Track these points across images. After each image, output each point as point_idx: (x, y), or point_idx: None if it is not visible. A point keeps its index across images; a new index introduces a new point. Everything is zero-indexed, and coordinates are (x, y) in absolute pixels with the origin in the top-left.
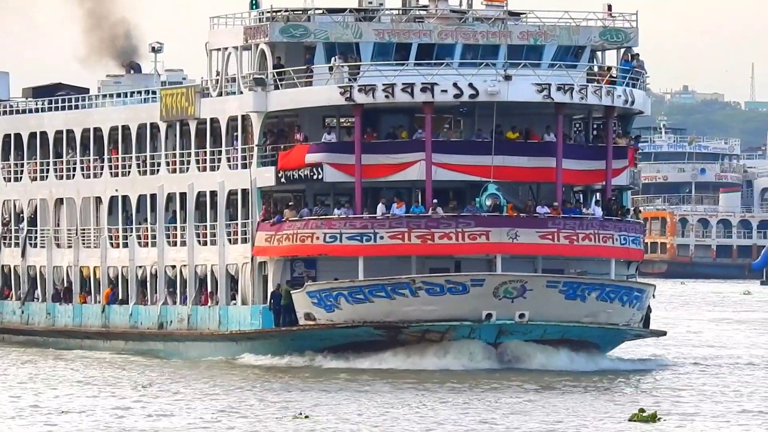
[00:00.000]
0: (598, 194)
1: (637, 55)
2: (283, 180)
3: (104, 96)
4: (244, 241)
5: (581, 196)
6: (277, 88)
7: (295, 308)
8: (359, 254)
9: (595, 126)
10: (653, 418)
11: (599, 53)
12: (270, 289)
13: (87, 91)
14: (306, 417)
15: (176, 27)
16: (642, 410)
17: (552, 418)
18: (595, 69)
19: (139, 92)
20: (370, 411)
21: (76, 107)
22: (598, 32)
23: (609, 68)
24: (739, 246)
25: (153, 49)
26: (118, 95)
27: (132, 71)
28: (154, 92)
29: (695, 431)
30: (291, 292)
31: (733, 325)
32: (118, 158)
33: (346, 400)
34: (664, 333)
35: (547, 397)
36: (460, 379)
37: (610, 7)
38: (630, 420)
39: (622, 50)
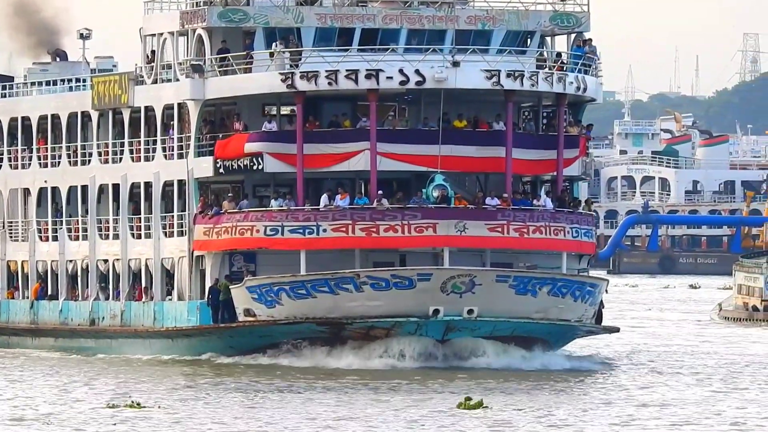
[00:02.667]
0: (547, 185)
1: (590, 40)
2: (221, 170)
3: (32, 84)
4: (181, 234)
5: (530, 186)
6: (224, 74)
7: (234, 304)
8: (301, 248)
9: (545, 114)
10: (479, 405)
11: (549, 38)
12: (208, 284)
13: (11, 79)
14: (138, 406)
15: (104, 13)
16: (468, 398)
17: (377, 409)
18: (545, 55)
19: (69, 80)
20: (202, 404)
21: (2, 96)
22: (548, 17)
23: (559, 54)
24: None
25: (81, 36)
26: (47, 83)
27: (58, 59)
28: (83, 80)
29: (508, 418)
30: (230, 287)
31: None
32: (47, 148)
33: (194, 393)
34: (617, 329)
35: (397, 390)
36: (357, 376)
37: None
38: (457, 407)
39: (573, 35)
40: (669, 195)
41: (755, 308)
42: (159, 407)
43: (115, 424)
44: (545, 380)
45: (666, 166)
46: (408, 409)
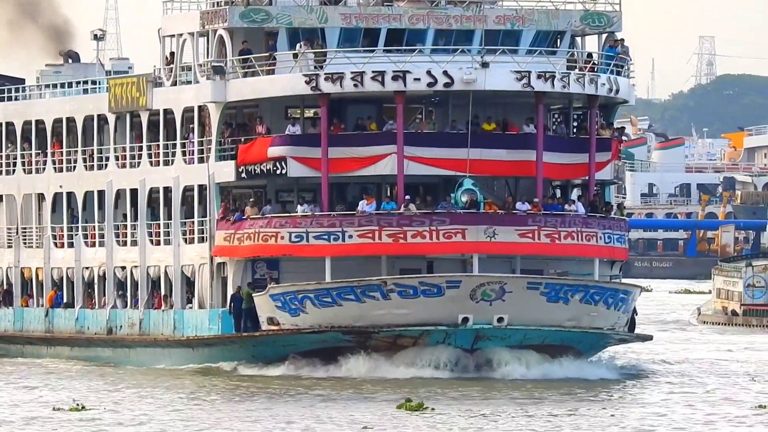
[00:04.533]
0: (578, 189)
1: (622, 40)
2: (243, 175)
3: (46, 86)
4: (201, 240)
5: (560, 191)
6: (246, 75)
7: (257, 312)
8: (326, 254)
9: (575, 117)
10: (419, 407)
11: (579, 39)
12: (230, 291)
13: (22, 81)
14: (82, 408)
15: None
16: (409, 400)
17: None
18: (576, 55)
19: (84, 82)
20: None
21: (16, 98)
22: (579, 16)
23: (590, 54)
24: None
25: (95, 37)
26: (62, 85)
27: (70, 60)
28: (96, 82)
29: (448, 419)
30: (253, 294)
31: None
32: (62, 152)
33: (140, 396)
34: (650, 337)
35: (343, 390)
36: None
37: None
38: (398, 408)
39: (605, 35)
40: (625, 198)
41: (734, 312)
42: (105, 410)
43: (55, 430)
44: (529, 389)
45: None
46: (346, 410)
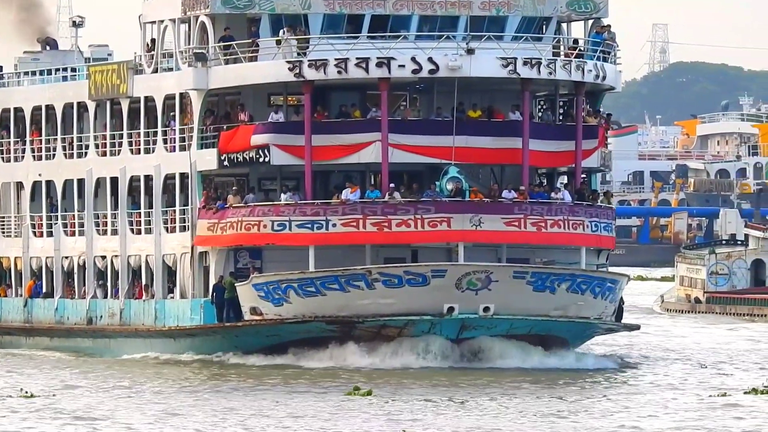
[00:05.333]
0: (564, 177)
1: (609, 26)
2: (225, 163)
3: (25, 74)
4: (183, 229)
5: (546, 178)
6: (228, 62)
7: (239, 302)
8: (310, 243)
9: (562, 103)
10: (368, 393)
11: (565, 25)
12: (212, 281)
13: (0, 69)
14: (31, 396)
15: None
16: (357, 387)
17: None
18: (562, 41)
19: (63, 69)
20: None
21: None
22: (565, 2)
23: (576, 41)
24: None
25: (74, 24)
26: (41, 73)
27: (48, 47)
28: (76, 69)
29: (393, 404)
30: (235, 284)
31: None
32: (41, 140)
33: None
34: (637, 327)
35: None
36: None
37: None
38: (346, 395)
39: (591, 22)
40: None
41: (697, 300)
42: (53, 395)
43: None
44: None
45: None
46: (294, 397)
